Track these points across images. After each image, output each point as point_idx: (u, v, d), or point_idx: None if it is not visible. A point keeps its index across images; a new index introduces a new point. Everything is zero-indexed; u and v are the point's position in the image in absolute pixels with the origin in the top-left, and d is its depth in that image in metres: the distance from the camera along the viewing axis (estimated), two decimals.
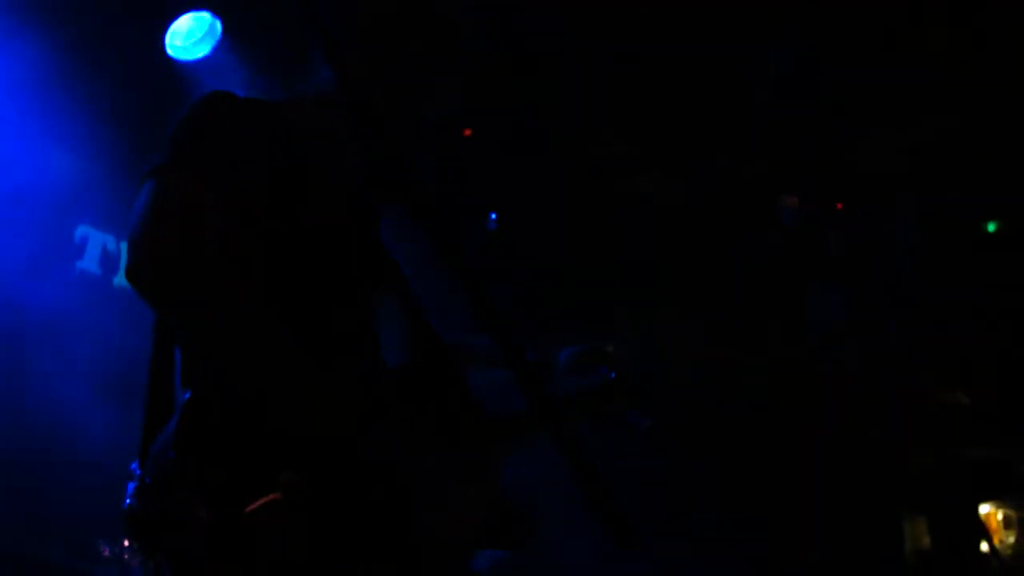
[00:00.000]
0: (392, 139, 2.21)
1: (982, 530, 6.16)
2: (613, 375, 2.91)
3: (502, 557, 2.39)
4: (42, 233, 5.51)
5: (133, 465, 2.11)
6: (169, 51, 5.19)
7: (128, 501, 2.05)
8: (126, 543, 4.82)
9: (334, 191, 2.33)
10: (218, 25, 5.19)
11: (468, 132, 6.25)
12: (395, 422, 2.17)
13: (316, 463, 1.98)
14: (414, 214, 2.29)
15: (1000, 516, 6.27)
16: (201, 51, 5.23)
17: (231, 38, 5.22)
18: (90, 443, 4.91)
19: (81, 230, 5.93)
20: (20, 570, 5.01)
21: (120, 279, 5.96)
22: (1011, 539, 6.24)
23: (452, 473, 2.24)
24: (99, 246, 6.00)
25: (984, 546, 6.13)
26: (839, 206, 6.53)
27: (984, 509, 6.30)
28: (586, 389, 2.78)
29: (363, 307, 2.38)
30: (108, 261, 6.01)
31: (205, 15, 5.20)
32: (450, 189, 5.32)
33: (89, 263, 5.95)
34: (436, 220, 2.23)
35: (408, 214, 2.32)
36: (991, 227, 6.52)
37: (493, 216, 6.15)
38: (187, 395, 2.02)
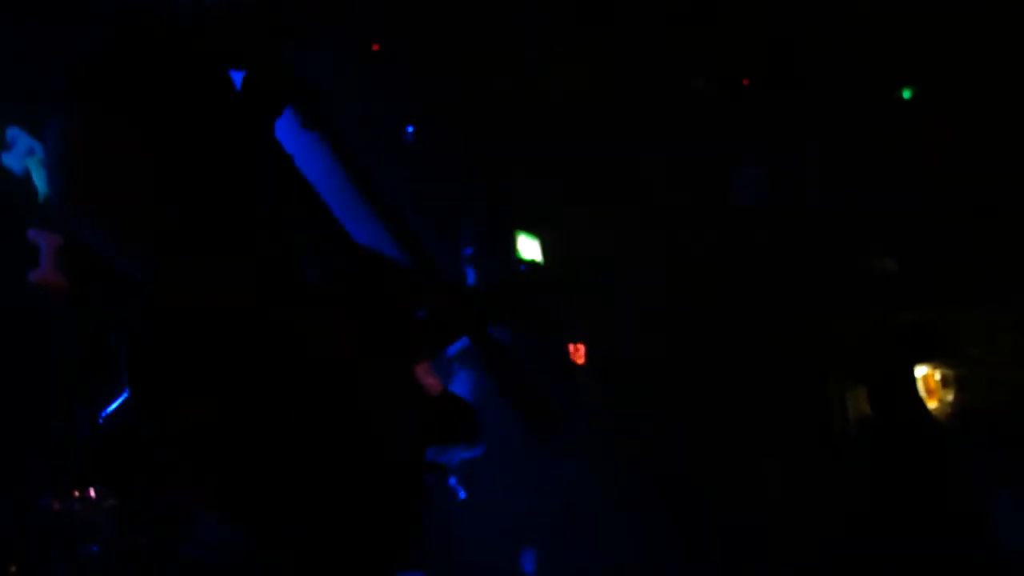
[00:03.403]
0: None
1: (920, 392, 6.28)
2: (524, 268, 2.94)
3: (463, 453, 2.41)
4: None
5: (80, 410, 2.11)
6: None
7: (84, 446, 2.04)
8: (76, 494, 4.75)
9: (224, 109, 2.34)
10: None
11: (376, 47, 6.16)
12: (329, 327, 2.17)
13: (260, 377, 2.00)
14: (307, 123, 2.29)
15: (938, 376, 6.39)
16: None
17: None
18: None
19: None
20: None
21: None
22: (950, 397, 6.36)
23: (388, 373, 2.24)
24: None
25: (926, 407, 6.25)
26: (745, 82, 6.53)
27: (921, 371, 6.41)
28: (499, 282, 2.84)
29: (277, 226, 2.38)
30: None
31: None
32: (364, 103, 5.24)
33: None
34: (330, 127, 2.24)
35: (304, 124, 2.31)
36: (906, 94, 6.56)
37: (410, 129, 6.07)
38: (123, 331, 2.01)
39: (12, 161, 6.19)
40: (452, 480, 5.05)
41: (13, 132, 6.16)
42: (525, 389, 2.23)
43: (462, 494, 5.05)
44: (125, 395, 1.96)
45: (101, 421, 2.00)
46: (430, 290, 2.43)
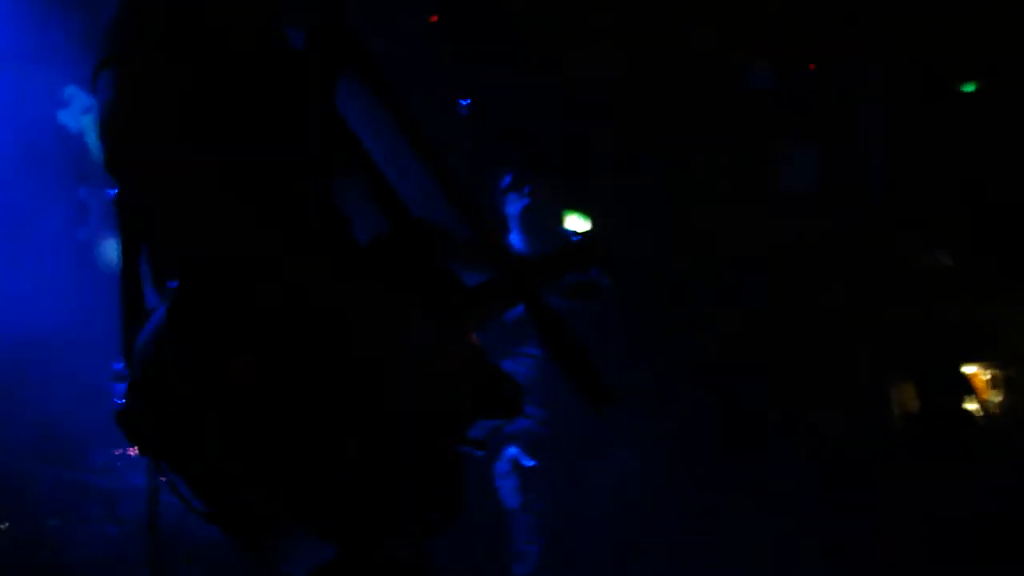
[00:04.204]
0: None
1: (969, 390, 6.20)
2: (577, 239, 2.93)
3: (498, 424, 2.38)
4: None
5: (117, 366, 2.12)
6: None
7: (119, 401, 2.04)
8: (117, 452, 4.81)
9: (278, 63, 2.33)
10: None
11: (434, 18, 6.14)
12: (371, 293, 2.16)
13: (297, 341, 1.99)
14: (366, 82, 2.27)
15: (986, 376, 6.31)
16: None
17: None
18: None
19: None
20: (13, 487, 5.00)
21: None
22: (998, 399, 6.28)
23: (432, 341, 2.21)
24: None
25: (971, 406, 6.17)
26: (812, 67, 6.45)
27: (970, 370, 6.33)
28: (552, 254, 2.83)
29: (326, 188, 2.37)
30: None
31: None
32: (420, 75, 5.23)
33: None
34: (391, 90, 2.21)
35: (364, 86, 2.29)
36: (968, 88, 6.46)
37: (465, 102, 6.04)
38: (170, 287, 2.01)
39: (69, 119, 6.23)
40: (514, 450, 5.04)
41: (71, 90, 6.21)
42: (579, 359, 2.21)
43: (528, 462, 5.06)
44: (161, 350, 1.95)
45: (138, 377, 2.00)
46: (484, 256, 2.40)
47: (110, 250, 5.71)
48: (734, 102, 6.45)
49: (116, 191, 2.26)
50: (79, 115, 6.26)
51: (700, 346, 6.26)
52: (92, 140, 6.21)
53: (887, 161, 6.44)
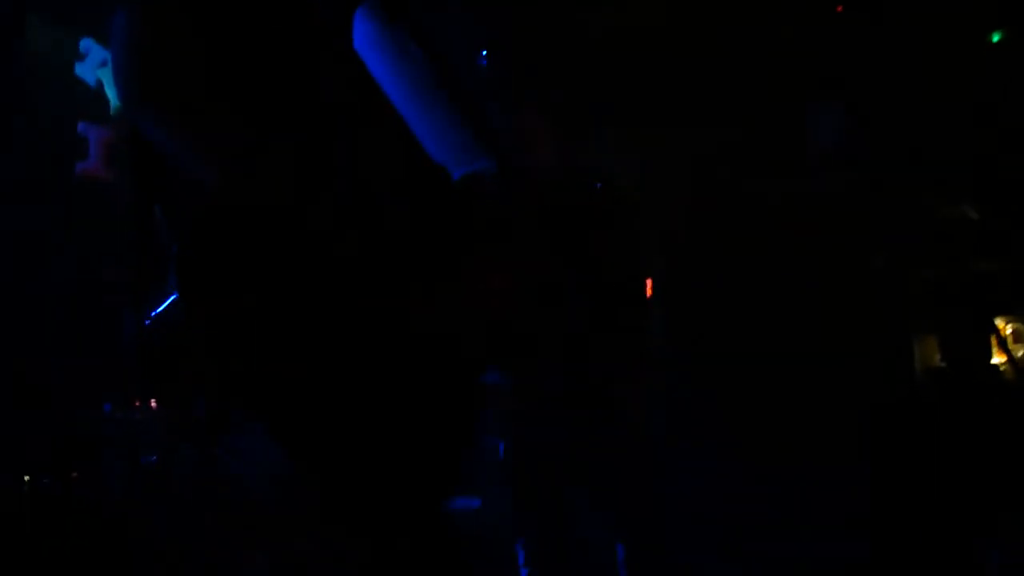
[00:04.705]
0: None
1: (995, 344, 6.14)
2: (600, 185, 2.90)
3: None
4: None
5: (128, 314, 2.12)
6: None
7: (133, 345, 2.04)
8: (136, 403, 4.80)
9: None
10: None
11: None
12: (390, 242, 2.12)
13: (311, 288, 1.97)
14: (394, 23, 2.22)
15: (1010, 330, 6.24)
16: None
17: None
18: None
19: None
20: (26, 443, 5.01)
21: None
22: (1021, 353, 6.22)
23: (451, 284, 2.19)
24: None
25: (996, 359, 6.11)
26: (839, 8, 6.35)
27: (996, 324, 6.26)
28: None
29: (347, 135, 2.31)
30: None
31: None
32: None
33: None
34: (422, 32, 2.17)
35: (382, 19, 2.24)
36: (996, 37, 6.36)
37: (484, 53, 6.00)
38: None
39: (85, 72, 6.22)
40: None
41: (87, 43, 6.19)
42: None
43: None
44: (172, 298, 1.94)
45: (148, 323, 1.99)
46: (510, 198, 2.37)
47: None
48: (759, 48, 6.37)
49: (133, 133, 2.23)
50: (95, 68, 6.25)
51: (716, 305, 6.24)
52: (111, 93, 6.20)
53: (910, 113, 6.36)
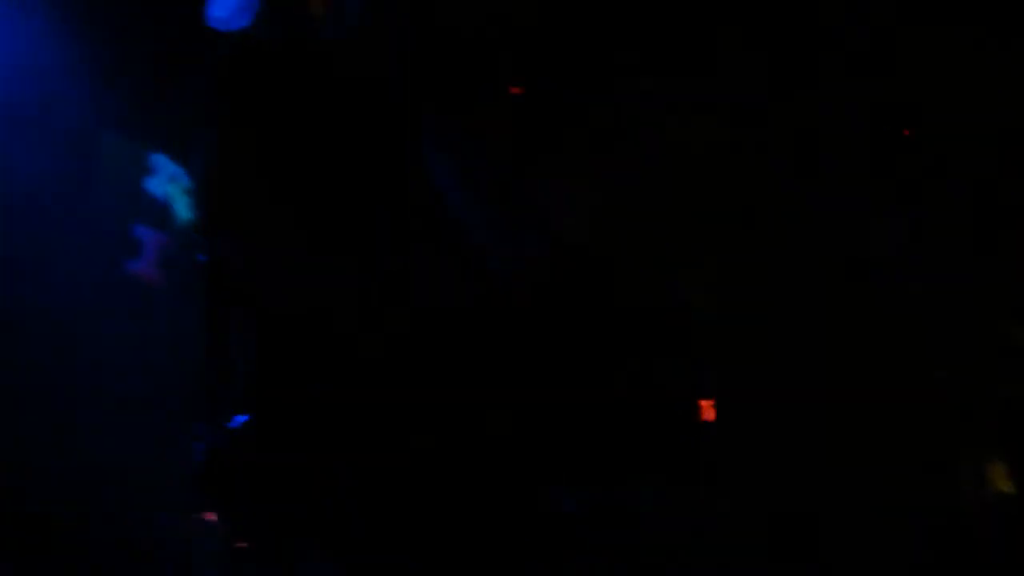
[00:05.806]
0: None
1: None
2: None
3: None
4: None
5: (198, 426, 2.14)
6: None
7: (199, 459, 2.05)
8: (193, 515, 4.78)
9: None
10: None
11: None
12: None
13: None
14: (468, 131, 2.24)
15: None
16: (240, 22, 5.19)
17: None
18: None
19: None
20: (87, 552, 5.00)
21: None
22: None
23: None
24: None
25: None
26: (906, 132, 6.34)
27: None
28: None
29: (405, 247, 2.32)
30: None
31: None
32: None
33: None
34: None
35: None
36: None
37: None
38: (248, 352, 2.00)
39: (155, 187, 6.34)
40: None
41: (157, 158, 6.32)
42: None
43: None
44: (244, 417, 1.96)
45: (220, 437, 2.00)
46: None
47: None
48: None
49: (207, 254, 2.28)
50: (165, 183, 6.37)
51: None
52: (179, 207, 6.31)
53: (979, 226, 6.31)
